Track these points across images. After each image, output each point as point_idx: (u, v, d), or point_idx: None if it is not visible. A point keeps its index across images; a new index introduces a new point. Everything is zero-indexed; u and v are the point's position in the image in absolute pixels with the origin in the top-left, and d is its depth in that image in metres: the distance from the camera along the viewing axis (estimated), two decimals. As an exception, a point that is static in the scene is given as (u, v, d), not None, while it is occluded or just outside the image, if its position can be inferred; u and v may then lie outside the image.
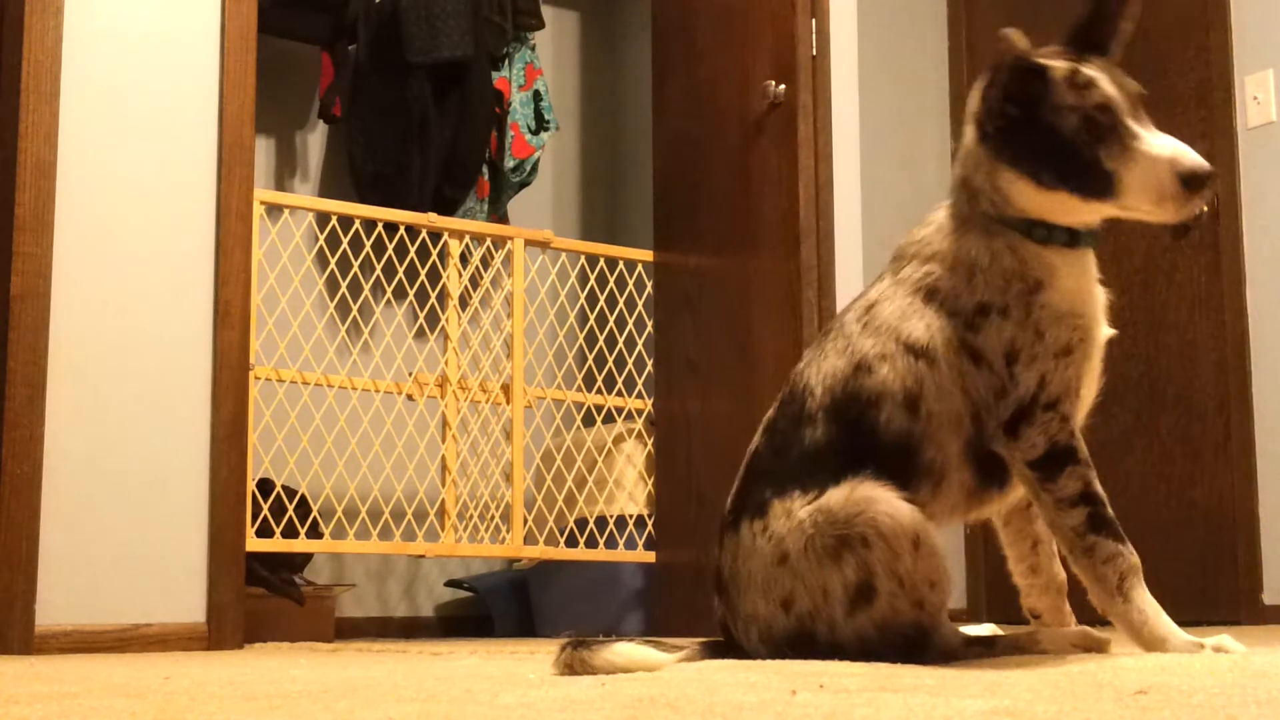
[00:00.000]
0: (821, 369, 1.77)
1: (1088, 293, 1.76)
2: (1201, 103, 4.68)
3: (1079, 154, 1.65)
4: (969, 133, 1.76)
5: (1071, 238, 1.73)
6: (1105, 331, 1.78)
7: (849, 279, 4.34)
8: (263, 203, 3.63)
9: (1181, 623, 1.69)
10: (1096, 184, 1.66)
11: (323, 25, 4.52)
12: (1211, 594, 4.31)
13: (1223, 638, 1.68)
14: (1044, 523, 1.76)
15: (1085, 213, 1.71)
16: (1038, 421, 1.69)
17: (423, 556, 4.18)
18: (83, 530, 3.10)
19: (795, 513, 1.67)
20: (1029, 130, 1.67)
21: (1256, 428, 4.47)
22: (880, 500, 1.64)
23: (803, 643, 1.67)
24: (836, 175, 4.11)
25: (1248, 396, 4.49)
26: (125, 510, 3.16)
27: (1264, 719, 1.11)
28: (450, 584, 4.66)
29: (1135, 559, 1.68)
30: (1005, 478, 1.75)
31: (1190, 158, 1.62)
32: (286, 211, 3.91)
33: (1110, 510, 1.70)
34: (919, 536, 1.63)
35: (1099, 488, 1.71)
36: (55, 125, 3.14)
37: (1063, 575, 1.85)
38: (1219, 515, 4.49)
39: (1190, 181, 1.61)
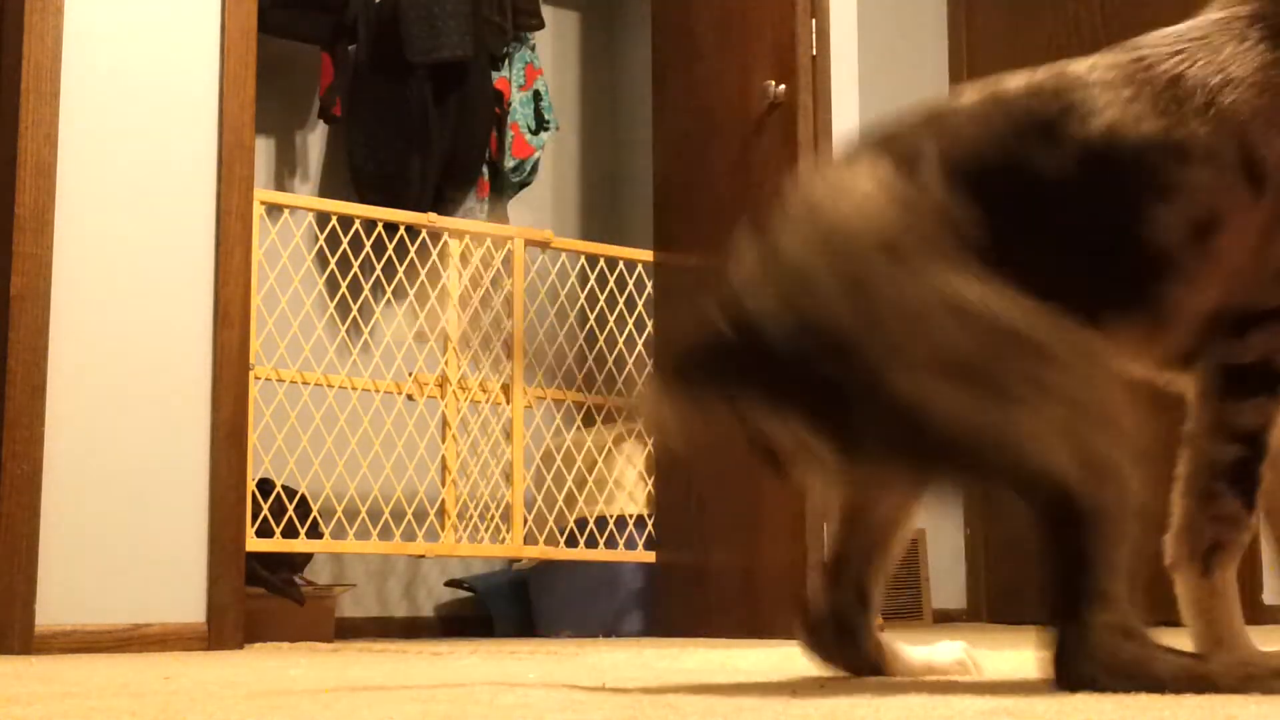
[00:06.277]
0: None
1: None
2: (1201, 103, 4.68)
3: None
4: None
5: None
6: None
7: (849, 279, 4.33)
8: (263, 203, 3.63)
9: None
10: None
11: (323, 25, 4.52)
12: (1211, 594, 4.28)
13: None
14: None
15: None
16: None
17: (423, 556, 4.18)
18: (83, 530, 3.10)
19: None
20: None
21: (1256, 428, 4.47)
22: None
23: None
24: (836, 175, 4.10)
25: (1248, 396, 4.49)
26: (125, 510, 3.15)
27: (1264, 719, 1.12)
28: (450, 584, 4.65)
29: None
30: None
31: None
32: (286, 211, 3.91)
33: None
34: None
35: None
36: (55, 125, 3.14)
37: None
38: (1219, 515, 4.48)
39: None
